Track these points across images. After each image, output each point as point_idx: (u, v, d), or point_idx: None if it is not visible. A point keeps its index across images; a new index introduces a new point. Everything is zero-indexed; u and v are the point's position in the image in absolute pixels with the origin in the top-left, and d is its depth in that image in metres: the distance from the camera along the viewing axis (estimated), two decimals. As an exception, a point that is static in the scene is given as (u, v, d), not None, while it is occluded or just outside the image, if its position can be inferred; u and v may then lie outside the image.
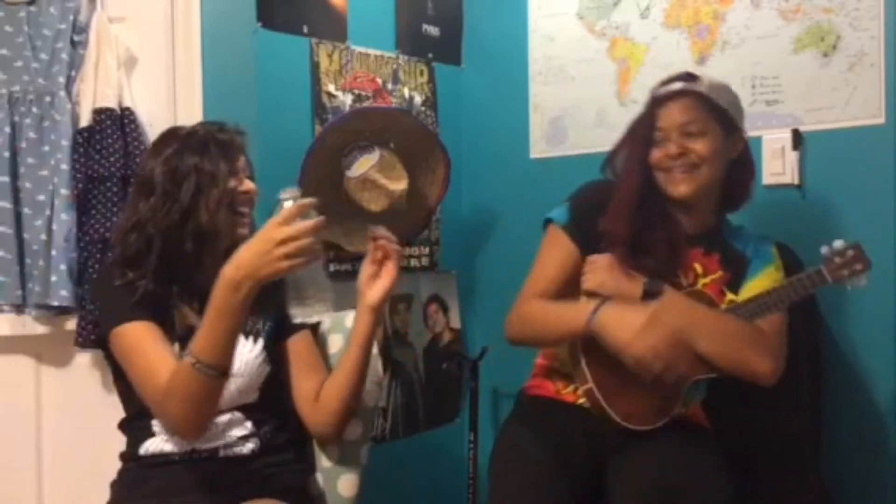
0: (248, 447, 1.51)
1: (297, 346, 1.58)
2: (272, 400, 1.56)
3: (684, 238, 1.65)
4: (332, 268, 2.23)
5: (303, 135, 2.15)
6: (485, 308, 2.61)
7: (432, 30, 2.54)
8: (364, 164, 2.15)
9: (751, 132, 1.72)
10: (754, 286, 1.61)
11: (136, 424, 1.50)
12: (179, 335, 1.45)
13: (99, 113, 2.06)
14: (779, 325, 1.59)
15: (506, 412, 2.46)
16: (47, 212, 2.04)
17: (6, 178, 2.03)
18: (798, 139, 1.93)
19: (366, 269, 1.51)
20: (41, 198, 2.05)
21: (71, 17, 2.09)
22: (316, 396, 1.54)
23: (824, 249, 1.52)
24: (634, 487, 1.50)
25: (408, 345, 2.45)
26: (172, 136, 1.54)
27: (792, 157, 1.93)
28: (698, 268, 1.65)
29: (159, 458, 1.47)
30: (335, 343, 1.67)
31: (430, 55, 2.52)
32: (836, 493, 1.84)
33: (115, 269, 1.49)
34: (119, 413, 1.56)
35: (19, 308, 2.06)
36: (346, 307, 1.59)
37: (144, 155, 1.66)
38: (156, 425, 1.47)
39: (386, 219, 2.12)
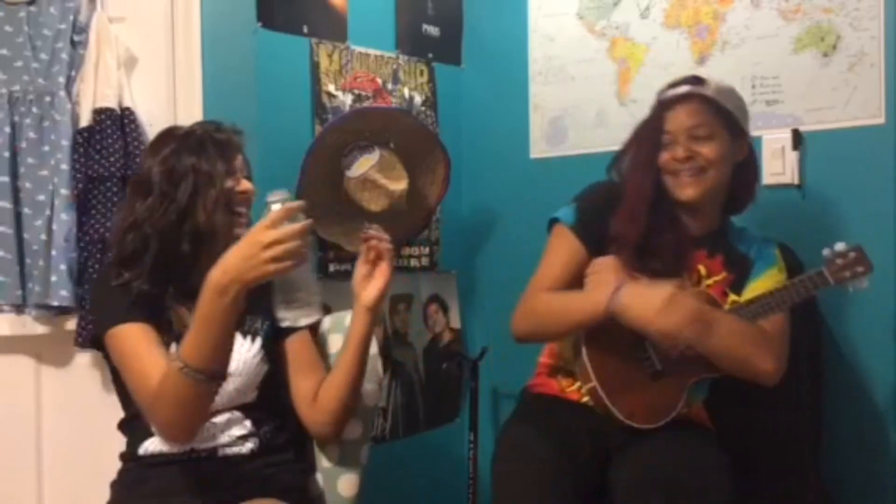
0: (248, 447, 1.51)
1: (296, 345, 1.58)
2: (271, 399, 1.56)
3: (690, 241, 1.65)
4: (332, 268, 2.23)
5: (303, 135, 2.15)
6: (485, 308, 2.61)
7: (432, 30, 2.54)
8: (364, 164, 2.15)
9: (751, 132, 1.72)
10: (757, 287, 1.62)
11: (135, 425, 1.50)
12: (176, 336, 1.45)
13: (99, 113, 2.06)
14: (781, 326, 1.60)
15: (506, 412, 2.47)
16: (47, 212, 2.04)
17: (6, 178, 2.03)
18: (798, 139, 1.93)
19: (359, 269, 1.51)
20: (41, 198, 2.05)
21: (71, 17, 2.09)
22: (314, 396, 1.54)
23: (826, 251, 1.53)
24: (635, 482, 1.51)
25: (408, 345, 2.45)
26: (170, 135, 1.54)
27: (792, 157, 1.93)
28: (702, 269, 1.66)
29: (158, 458, 1.47)
30: (335, 343, 1.67)
31: (430, 55, 2.52)
32: (836, 493, 1.84)
33: (112, 269, 1.49)
34: (119, 413, 1.56)
35: (19, 308, 2.06)
36: (347, 307, 1.59)
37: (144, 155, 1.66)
38: None
39: (386, 219, 2.13)
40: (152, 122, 2.10)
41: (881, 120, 1.83)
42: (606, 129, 2.28)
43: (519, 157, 2.48)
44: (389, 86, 2.39)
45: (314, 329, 1.66)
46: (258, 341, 1.54)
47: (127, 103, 2.10)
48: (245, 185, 1.53)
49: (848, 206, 1.87)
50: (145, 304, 1.44)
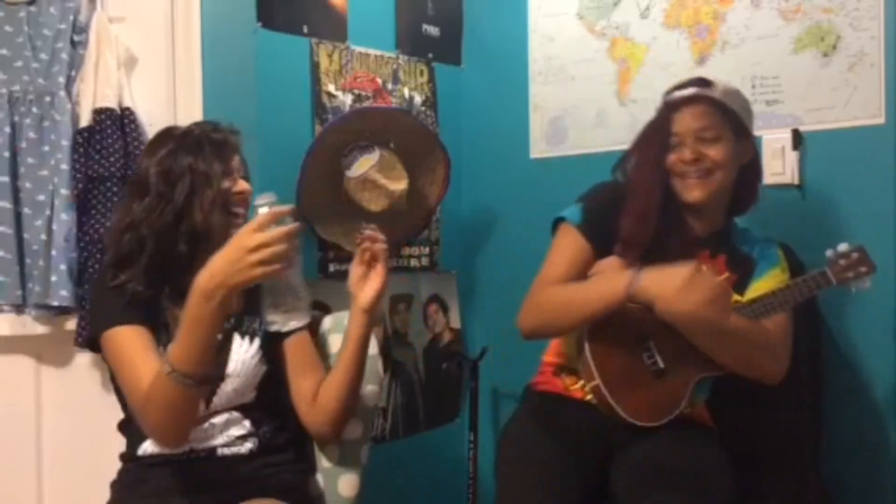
0: (247, 447, 1.51)
1: (294, 345, 1.58)
2: (270, 399, 1.55)
3: (694, 241, 1.66)
4: (332, 268, 2.23)
5: (303, 135, 2.15)
6: (485, 308, 2.61)
7: (432, 30, 2.54)
8: (364, 164, 2.15)
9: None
10: (760, 287, 1.63)
11: (134, 425, 1.49)
12: (172, 337, 1.44)
13: (99, 113, 2.06)
14: (784, 325, 1.60)
15: (506, 412, 2.48)
16: (47, 212, 2.04)
17: (6, 178, 2.03)
18: (798, 139, 1.93)
19: (354, 270, 1.51)
20: (41, 198, 2.05)
21: (71, 17, 2.09)
22: (314, 396, 1.54)
23: (829, 252, 1.53)
24: (635, 477, 1.52)
25: (408, 345, 2.45)
26: (167, 136, 1.53)
27: (792, 157, 1.93)
28: (704, 269, 1.66)
29: (158, 459, 1.47)
30: (335, 343, 1.67)
31: (430, 55, 2.52)
32: (836, 493, 1.84)
33: (108, 270, 1.49)
34: (118, 413, 1.56)
35: (19, 308, 2.07)
36: (347, 307, 1.59)
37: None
38: None
39: (386, 219, 2.13)
40: (152, 122, 2.10)
41: (881, 120, 1.83)
42: (606, 129, 2.28)
43: (519, 157, 2.48)
44: (389, 86, 2.39)
45: (314, 329, 1.66)
46: (256, 342, 1.54)
47: (127, 103, 2.10)
48: (242, 185, 1.52)
49: (848, 206, 1.87)
50: (141, 306, 1.44)
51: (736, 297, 1.64)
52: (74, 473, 2.12)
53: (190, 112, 2.13)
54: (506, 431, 1.71)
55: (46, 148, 2.06)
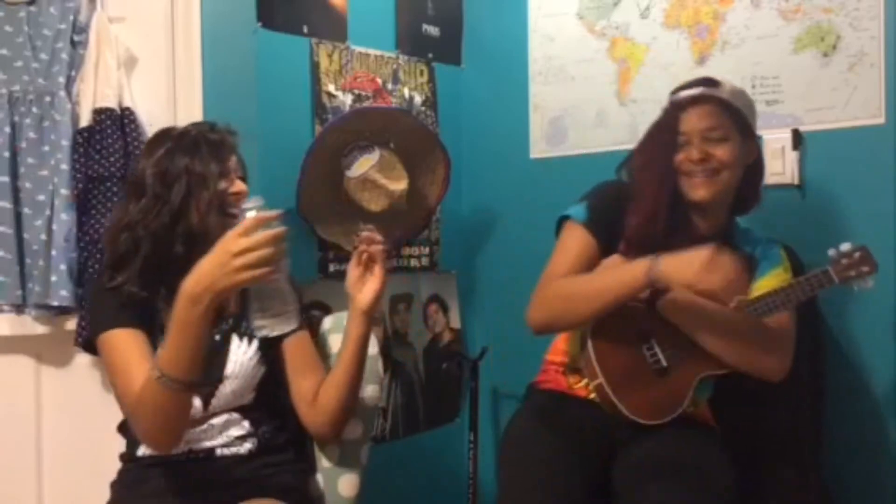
0: (246, 447, 1.51)
1: (293, 346, 1.58)
2: (270, 400, 1.56)
3: (699, 240, 1.65)
4: (332, 268, 2.23)
5: (303, 135, 2.15)
6: (485, 308, 2.61)
7: (432, 30, 2.54)
8: (364, 164, 2.15)
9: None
10: (763, 286, 1.63)
11: (133, 426, 1.50)
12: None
13: (99, 113, 2.06)
14: (787, 324, 1.61)
15: (506, 412, 2.48)
16: (47, 212, 2.04)
17: (6, 178, 2.03)
18: (798, 139, 1.93)
19: (351, 272, 1.51)
20: (41, 198, 2.05)
21: (71, 17, 2.09)
22: (314, 396, 1.54)
23: (831, 251, 1.54)
24: (636, 471, 1.52)
25: (408, 345, 2.45)
26: (165, 136, 1.53)
27: (792, 157, 1.93)
28: None
29: (157, 459, 1.48)
30: (335, 343, 1.67)
31: (430, 55, 2.52)
32: (837, 493, 1.84)
33: (106, 271, 1.49)
34: (118, 414, 1.55)
35: (19, 308, 2.06)
36: (347, 307, 1.59)
37: (142, 155, 1.66)
38: None
39: (386, 219, 2.13)
40: (152, 122, 2.10)
41: (881, 120, 1.83)
42: (606, 129, 2.28)
43: (519, 157, 2.48)
44: (389, 86, 2.39)
45: (314, 329, 1.66)
46: (255, 343, 1.53)
47: (127, 103, 2.10)
48: (239, 186, 1.51)
49: (848, 206, 1.87)
50: (137, 307, 1.43)
51: (739, 295, 1.65)
52: (74, 473, 2.12)
53: (190, 112, 2.13)
54: (508, 430, 1.71)
55: (46, 148, 2.06)
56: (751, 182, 1.69)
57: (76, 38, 2.10)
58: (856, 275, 1.52)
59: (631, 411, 1.59)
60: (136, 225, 1.46)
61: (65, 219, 2.04)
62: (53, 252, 2.02)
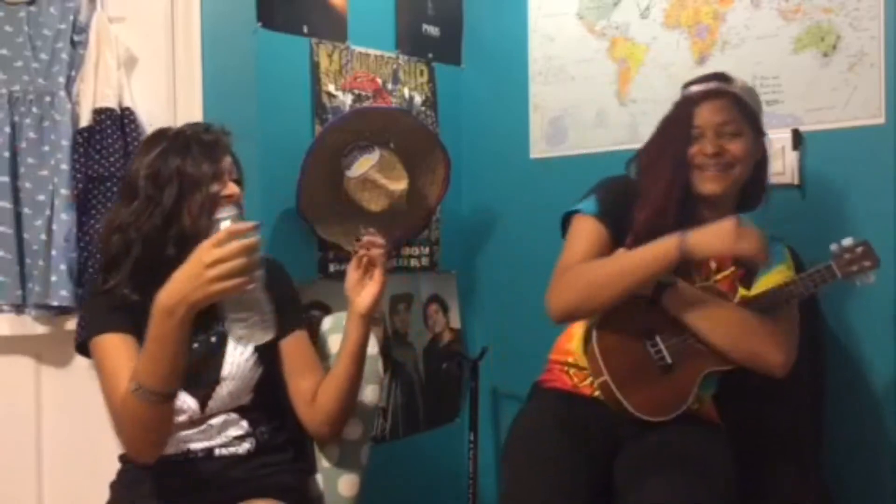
0: (245, 447, 1.51)
1: (291, 347, 1.57)
2: (268, 400, 1.56)
3: None
4: (332, 268, 2.23)
5: (303, 135, 2.15)
6: (485, 308, 2.61)
7: (432, 30, 2.54)
8: (364, 164, 2.15)
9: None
10: (766, 282, 1.64)
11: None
12: None
13: (99, 113, 2.06)
14: (790, 319, 1.62)
15: (506, 412, 2.48)
16: (47, 212, 2.04)
17: (6, 178, 2.03)
18: (798, 139, 1.93)
19: (351, 274, 1.50)
20: (41, 198, 2.05)
21: (71, 17, 2.08)
22: (313, 397, 1.54)
23: (833, 246, 1.55)
24: (637, 463, 1.53)
25: (408, 345, 2.45)
26: (159, 137, 1.52)
27: (792, 157, 1.93)
28: (712, 263, 1.68)
29: (157, 459, 1.47)
30: (335, 343, 1.67)
31: (430, 55, 2.52)
32: (837, 492, 1.84)
33: (100, 274, 1.49)
34: (119, 414, 1.56)
35: (19, 308, 2.06)
36: (346, 308, 1.59)
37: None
38: None
39: (386, 219, 2.13)
40: (152, 122, 2.10)
41: (881, 120, 1.83)
42: (606, 129, 2.28)
43: (519, 157, 2.48)
44: (389, 86, 2.39)
45: (313, 329, 1.66)
46: (251, 345, 1.53)
47: (127, 103, 2.10)
48: (231, 188, 1.49)
49: (848, 206, 1.87)
50: (129, 311, 1.43)
51: (743, 291, 1.65)
52: (74, 473, 2.12)
53: (190, 112, 2.13)
54: (513, 429, 1.70)
55: (46, 148, 2.06)
56: (756, 179, 1.70)
57: (76, 38, 2.09)
58: (858, 269, 1.54)
59: (636, 408, 1.59)
60: (129, 227, 1.45)
61: (65, 219, 2.03)
62: (53, 252, 2.02)
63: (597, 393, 1.66)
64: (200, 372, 1.48)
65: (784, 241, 1.74)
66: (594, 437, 1.60)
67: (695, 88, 1.67)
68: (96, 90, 2.07)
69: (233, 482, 1.46)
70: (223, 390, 1.49)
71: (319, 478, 1.63)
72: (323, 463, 1.63)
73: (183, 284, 1.23)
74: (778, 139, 1.94)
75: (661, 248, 1.54)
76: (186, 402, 1.47)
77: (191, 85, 2.17)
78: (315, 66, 2.20)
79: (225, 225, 1.25)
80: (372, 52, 2.35)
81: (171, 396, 1.32)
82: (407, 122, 2.29)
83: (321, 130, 2.16)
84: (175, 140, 1.48)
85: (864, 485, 1.86)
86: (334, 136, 2.13)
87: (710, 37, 2.08)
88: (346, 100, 2.26)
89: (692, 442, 1.56)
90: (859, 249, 1.54)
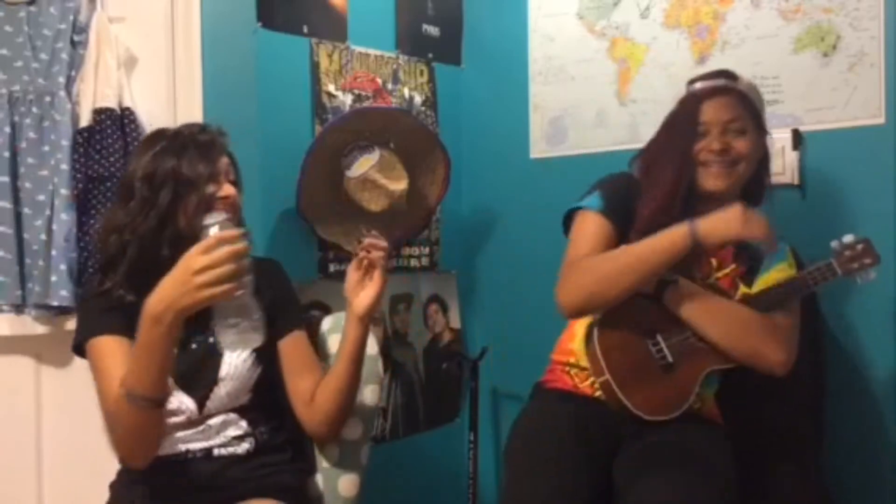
0: (244, 447, 1.51)
1: (289, 347, 1.57)
2: (267, 400, 1.55)
3: None
4: (332, 268, 2.23)
5: (303, 135, 2.15)
6: (485, 308, 2.61)
7: (432, 30, 2.54)
8: (364, 164, 2.15)
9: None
10: (767, 280, 1.64)
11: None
12: None
13: (99, 113, 2.06)
14: (791, 317, 1.62)
15: (506, 412, 2.48)
16: (47, 212, 2.04)
17: (6, 178, 2.03)
18: (798, 139, 1.93)
19: (350, 275, 1.50)
20: (41, 198, 2.05)
21: (71, 17, 2.09)
22: (312, 397, 1.54)
23: (834, 243, 1.55)
24: (636, 461, 1.53)
25: (408, 345, 2.45)
26: (157, 137, 1.51)
27: (792, 157, 1.93)
28: (713, 261, 1.68)
29: (156, 460, 1.47)
30: (334, 343, 1.67)
31: (430, 55, 2.52)
32: (837, 492, 1.84)
33: (97, 275, 1.49)
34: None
35: (19, 308, 2.06)
36: (345, 309, 1.59)
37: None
38: None
39: (386, 219, 2.13)
40: (152, 123, 2.10)
41: (881, 120, 1.83)
42: (606, 129, 2.28)
43: (519, 157, 2.48)
44: (389, 86, 2.39)
45: (313, 329, 1.66)
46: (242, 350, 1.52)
47: (127, 103, 2.10)
48: (227, 189, 1.49)
49: (848, 206, 1.87)
50: (125, 312, 1.42)
51: (744, 289, 1.65)
52: (74, 473, 2.12)
53: (190, 112, 2.13)
54: (514, 429, 1.70)
55: (46, 148, 2.06)
56: (759, 177, 1.70)
57: (76, 38, 2.09)
58: (859, 267, 1.54)
59: (637, 407, 1.59)
60: (124, 228, 1.44)
61: (65, 219, 2.03)
62: (53, 252, 2.02)
63: (598, 392, 1.66)
64: (198, 372, 1.48)
65: (785, 240, 1.75)
66: (595, 437, 1.60)
67: (700, 85, 1.67)
68: (96, 90, 2.07)
69: (232, 482, 1.46)
70: (221, 391, 1.49)
71: (319, 478, 1.63)
72: (323, 463, 1.63)
73: (170, 291, 1.23)
74: (778, 139, 1.93)
75: (673, 236, 1.55)
76: (184, 402, 1.47)
77: (191, 85, 2.17)
78: (315, 66, 2.20)
79: (213, 231, 1.24)
80: (372, 52, 2.35)
81: (161, 402, 1.33)
82: (407, 122, 2.29)
83: (321, 130, 2.16)
84: (171, 141, 1.48)
85: (864, 485, 1.86)
86: (334, 136, 2.13)
87: (710, 37, 2.08)
88: (346, 100, 2.26)
89: (693, 441, 1.56)
90: (860, 246, 1.54)
